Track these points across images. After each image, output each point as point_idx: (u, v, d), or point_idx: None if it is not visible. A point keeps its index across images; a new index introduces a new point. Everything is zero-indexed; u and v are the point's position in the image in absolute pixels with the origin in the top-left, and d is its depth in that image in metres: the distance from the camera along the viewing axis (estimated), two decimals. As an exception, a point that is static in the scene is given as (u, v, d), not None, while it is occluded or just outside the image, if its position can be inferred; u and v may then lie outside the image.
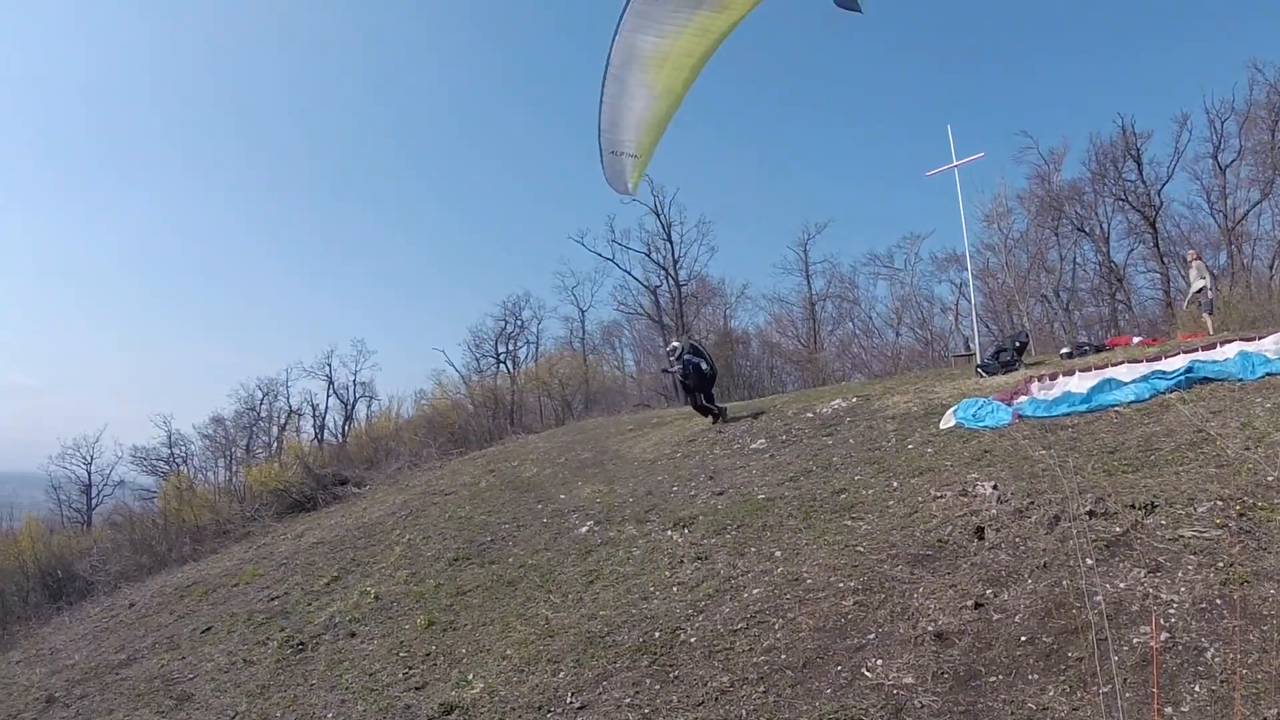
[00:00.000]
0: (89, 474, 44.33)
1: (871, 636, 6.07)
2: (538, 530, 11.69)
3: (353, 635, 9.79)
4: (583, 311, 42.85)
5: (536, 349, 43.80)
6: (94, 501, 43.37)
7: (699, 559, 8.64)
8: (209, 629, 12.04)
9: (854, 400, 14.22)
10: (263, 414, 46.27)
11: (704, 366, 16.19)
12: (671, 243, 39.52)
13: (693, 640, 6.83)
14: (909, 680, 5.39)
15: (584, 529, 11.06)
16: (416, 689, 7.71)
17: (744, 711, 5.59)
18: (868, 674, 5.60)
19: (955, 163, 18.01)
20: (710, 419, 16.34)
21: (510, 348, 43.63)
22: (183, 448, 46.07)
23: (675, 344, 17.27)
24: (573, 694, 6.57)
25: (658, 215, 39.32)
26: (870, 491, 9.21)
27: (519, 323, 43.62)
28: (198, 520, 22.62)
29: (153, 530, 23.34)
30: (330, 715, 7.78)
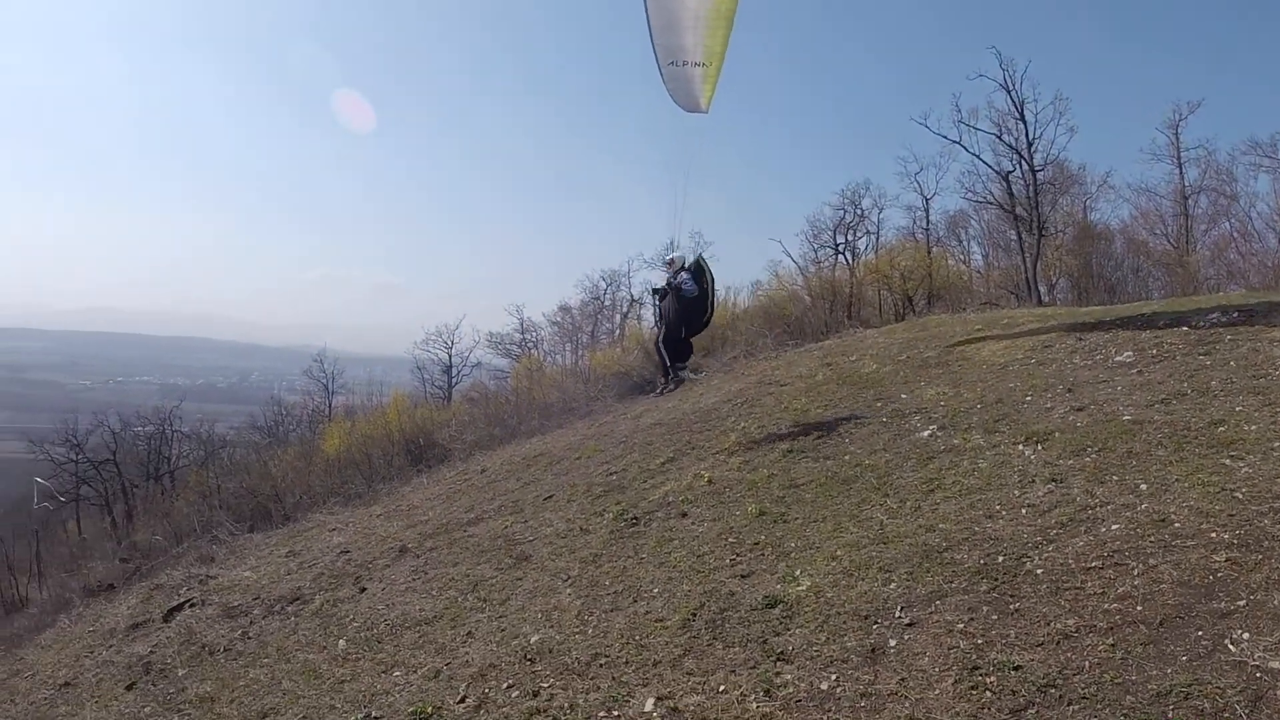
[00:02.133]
0: (449, 357, 49.40)
1: (1242, 603, 5.41)
2: (876, 429, 11.46)
3: (684, 515, 10.22)
4: (926, 200, 40.30)
5: (877, 240, 42.17)
6: (453, 380, 48.38)
7: (1053, 480, 8.08)
8: (550, 497, 13.08)
9: (1235, 314, 12.58)
10: (606, 303, 49.25)
11: (685, 288, 13.04)
12: (1025, 123, 35.11)
13: (1039, 572, 6.45)
14: (1276, 665, 4.77)
15: (925, 433, 10.72)
16: (742, 577, 7.95)
17: (1086, 663, 5.24)
18: (1231, 647, 5.02)
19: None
20: (662, 378, 14.16)
21: (849, 238, 42.50)
22: (533, 334, 50.37)
23: (673, 256, 13.65)
24: (902, 608, 6.49)
25: (1008, 92, 34.99)
26: (1254, 427, 8.13)
27: (858, 212, 42.23)
28: (545, 398, 24.63)
29: (505, 406, 25.84)
30: (656, 590, 8.23)
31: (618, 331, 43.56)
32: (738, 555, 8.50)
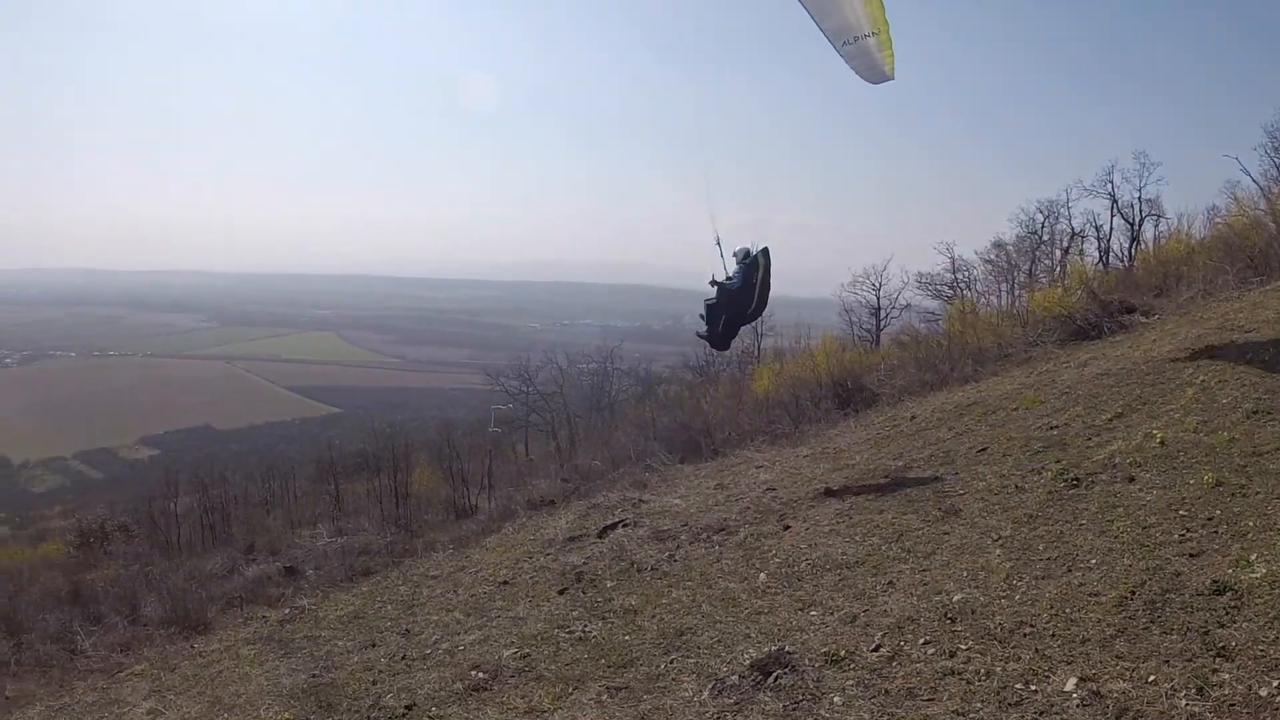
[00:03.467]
0: (877, 299, 49.02)
1: None
2: (1357, 391, 10.06)
3: (1131, 480, 9.77)
4: (1406, 99, 33.13)
5: (1352, 152, 35.64)
6: (882, 323, 48.20)
7: None
8: (984, 449, 12.92)
9: None
10: (1044, 237, 46.30)
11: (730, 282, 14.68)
12: None
13: None
14: None
15: None
16: (1190, 556, 7.61)
17: None
18: None
19: None
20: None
21: (1318, 149, 36.33)
22: (965, 273, 48.41)
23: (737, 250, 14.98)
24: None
25: None
26: None
27: (1326, 117, 35.79)
28: (980, 342, 23.98)
29: (936, 350, 25.53)
30: (1094, 561, 8.10)
31: (1058, 269, 40.87)
32: (1188, 530, 8.11)
